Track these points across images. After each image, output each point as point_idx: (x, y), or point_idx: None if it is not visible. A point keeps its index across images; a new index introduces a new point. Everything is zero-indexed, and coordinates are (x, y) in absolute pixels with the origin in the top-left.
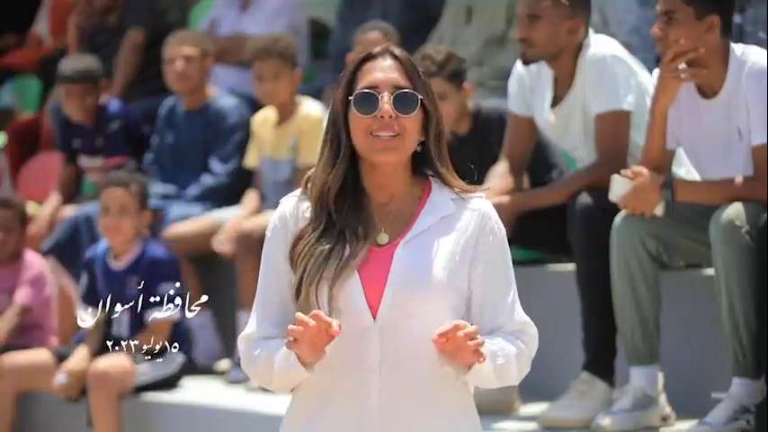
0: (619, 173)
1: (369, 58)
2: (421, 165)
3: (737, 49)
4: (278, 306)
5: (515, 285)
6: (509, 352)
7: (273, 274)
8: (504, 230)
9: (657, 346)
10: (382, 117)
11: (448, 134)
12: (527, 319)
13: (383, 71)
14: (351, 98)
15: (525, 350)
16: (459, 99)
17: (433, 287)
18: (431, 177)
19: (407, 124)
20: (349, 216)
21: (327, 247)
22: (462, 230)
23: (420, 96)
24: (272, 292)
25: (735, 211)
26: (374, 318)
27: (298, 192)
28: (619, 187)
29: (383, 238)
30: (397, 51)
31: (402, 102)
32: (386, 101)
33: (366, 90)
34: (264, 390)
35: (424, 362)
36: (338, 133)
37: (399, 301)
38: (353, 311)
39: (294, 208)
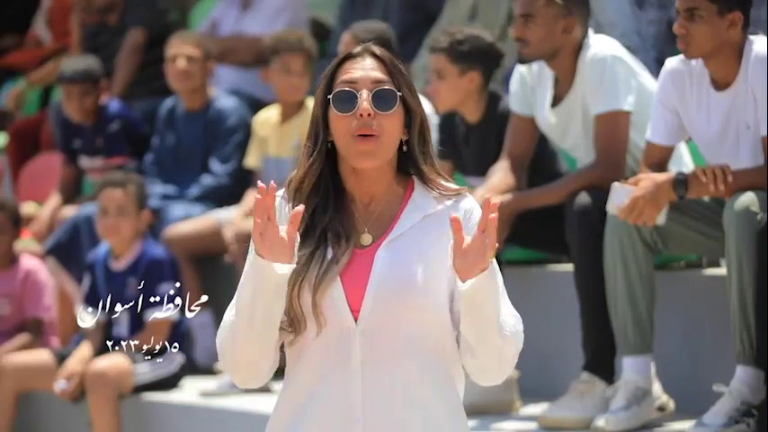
0: (617, 174)
1: (348, 57)
2: (405, 162)
3: (751, 41)
4: None
5: (501, 278)
6: (511, 320)
7: None
8: None
9: (650, 336)
10: (361, 115)
11: (460, 121)
12: (515, 312)
13: (362, 69)
14: (330, 96)
15: (518, 336)
16: (459, 84)
17: (414, 288)
18: (414, 175)
19: (386, 123)
20: (331, 217)
21: (308, 251)
22: (445, 229)
23: (400, 93)
24: None
25: (748, 198)
26: (355, 320)
27: (280, 192)
28: (619, 196)
29: (366, 238)
30: (377, 50)
31: (381, 99)
32: (365, 98)
33: (344, 88)
34: (264, 390)
35: (407, 362)
36: (317, 132)
37: (380, 303)
38: (335, 315)
39: (277, 209)
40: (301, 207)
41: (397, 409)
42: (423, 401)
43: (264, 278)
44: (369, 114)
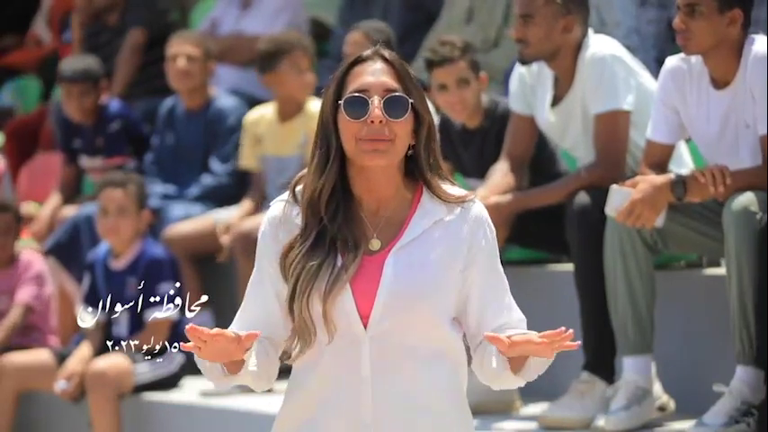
0: (617, 173)
1: (358, 61)
2: (412, 167)
3: (751, 40)
4: (259, 314)
5: (507, 283)
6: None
7: (260, 281)
8: (495, 232)
9: (650, 336)
10: (372, 122)
11: (458, 126)
12: (522, 315)
13: (373, 74)
14: (340, 102)
15: None
16: (477, 87)
17: (423, 296)
18: (421, 180)
19: (398, 129)
20: (340, 223)
21: (318, 261)
22: (455, 235)
23: (411, 100)
24: (257, 300)
25: (748, 198)
26: (365, 327)
27: (285, 195)
28: (617, 198)
29: (375, 244)
30: (388, 54)
31: (392, 106)
32: (376, 105)
33: (356, 94)
34: (266, 390)
35: (417, 367)
36: (328, 137)
37: (390, 310)
38: (345, 322)
39: (283, 213)
40: (256, 332)
41: (408, 414)
42: (432, 406)
43: (223, 376)
44: (380, 122)
